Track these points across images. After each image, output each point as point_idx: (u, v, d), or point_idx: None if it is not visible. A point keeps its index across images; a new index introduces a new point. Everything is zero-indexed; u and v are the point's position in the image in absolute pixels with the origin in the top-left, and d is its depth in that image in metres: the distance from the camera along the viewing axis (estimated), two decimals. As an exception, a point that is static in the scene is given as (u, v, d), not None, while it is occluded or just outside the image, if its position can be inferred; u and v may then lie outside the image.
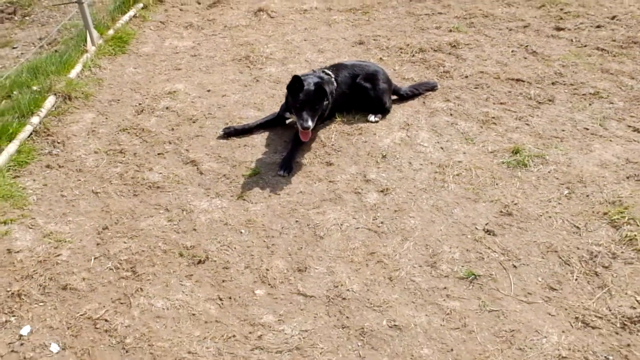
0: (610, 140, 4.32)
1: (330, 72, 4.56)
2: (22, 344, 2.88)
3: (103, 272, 3.30)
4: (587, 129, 4.47)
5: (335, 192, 3.87)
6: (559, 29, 6.32)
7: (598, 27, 6.31)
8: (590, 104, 4.80)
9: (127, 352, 2.83)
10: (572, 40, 6.02)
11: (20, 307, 3.09)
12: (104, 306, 3.08)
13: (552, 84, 5.17)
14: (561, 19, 6.57)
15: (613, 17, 6.44)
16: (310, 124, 4.12)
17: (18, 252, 3.44)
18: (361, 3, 7.35)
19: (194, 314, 3.02)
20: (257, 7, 7.26)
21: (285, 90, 4.31)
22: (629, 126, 4.49)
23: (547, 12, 6.76)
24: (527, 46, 5.94)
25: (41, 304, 3.11)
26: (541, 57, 5.67)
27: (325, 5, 7.38)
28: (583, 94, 4.96)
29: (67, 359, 2.81)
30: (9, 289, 3.18)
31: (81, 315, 3.03)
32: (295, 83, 4.16)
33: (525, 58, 5.70)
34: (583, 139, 4.35)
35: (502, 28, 6.43)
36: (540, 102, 4.88)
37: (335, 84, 4.52)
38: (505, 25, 6.50)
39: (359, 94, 4.65)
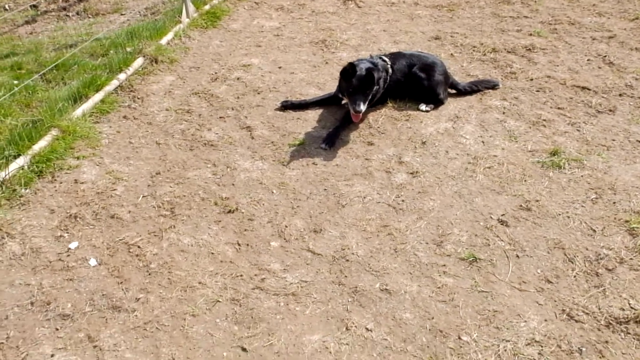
0: (661, 156, 4.24)
1: (387, 59, 4.78)
2: (68, 255, 3.39)
3: (147, 208, 3.77)
4: (640, 142, 4.41)
5: (367, 168, 4.12)
6: (646, 43, 6.13)
7: (690, 44, 6.06)
8: (652, 119, 4.71)
9: (149, 274, 3.27)
10: (656, 55, 5.83)
11: (74, 226, 3.61)
12: (140, 236, 3.54)
13: (619, 95, 5.09)
14: (652, 33, 6.35)
15: None
16: (362, 107, 4.39)
17: (82, 183, 3.99)
18: (449, 1, 7.47)
19: (212, 253, 3.41)
20: (347, -5, 7.58)
21: (339, 75, 4.59)
22: (687, 144, 4.37)
23: (639, 26, 6.55)
24: (605, 56, 5.83)
25: (91, 226, 3.62)
26: (616, 69, 5.57)
27: (413, -1, 7.57)
28: (648, 108, 4.86)
29: (100, 272, 3.28)
30: (68, 211, 3.73)
31: (120, 240, 3.50)
32: (349, 69, 4.43)
33: (600, 68, 5.62)
34: (632, 150, 4.30)
35: (586, 37, 6.33)
36: (599, 111, 4.83)
37: (390, 70, 4.75)
38: (590, 34, 6.39)
39: (414, 83, 4.85)
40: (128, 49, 5.62)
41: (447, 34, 6.46)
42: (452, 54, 5.96)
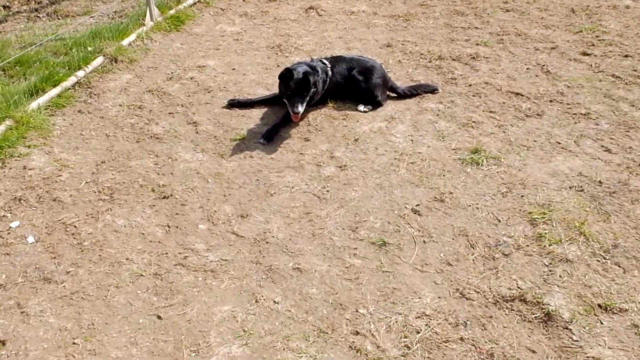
0: (576, 156, 4.55)
1: (327, 63, 5.10)
2: (8, 233, 3.66)
3: (88, 193, 4.04)
4: (559, 143, 4.71)
5: (300, 162, 4.42)
6: (585, 54, 6.46)
7: (626, 56, 6.38)
8: (576, 123, 5.02)
9: (82, 251, 3.53)
10: (591, 65, 6.16)
11: (17, 208, 3.88)
12: (78, 217, 3.81)
13: (550, 101, 5.41)
14: (592, 45, 6.69)
15: (646, 49, 6.51)
16: (300, 108, 4.70)
17: (30, 169, 4.26)
18: (406, 11, 7.81)
19: (143, 234, 3.68)
20: (310, 5, 7.91)
21: (278, 79, 4.88)
22: (603, 146, 4.67)
23: (581, 38, 6.90)
24: (544, 66, 6.16)
25: (33, 208, 3.88)
26: (552, 77, 5.89)
27: (372, 9, 7.91)
28: (574, 113, 5.17)
29: (36, 249, 3.54)
30: (14, 194, 3.99)
31: (58, 220, 3.77)
32: (287, 74, 4.74)
33: (537, 76, 5.95)
34: (550, 150, 4.61)
35: (529, 47, 6.67)
36: (528, 115, 5.15)
37: (330, 73, 5.06)
38: (534, 45, 6.73)
39: (353, 85, 5.16)
40: (89, 49, 5.90)
41: (398, 42, 6.78)
42: (399, 61, 6.29)
